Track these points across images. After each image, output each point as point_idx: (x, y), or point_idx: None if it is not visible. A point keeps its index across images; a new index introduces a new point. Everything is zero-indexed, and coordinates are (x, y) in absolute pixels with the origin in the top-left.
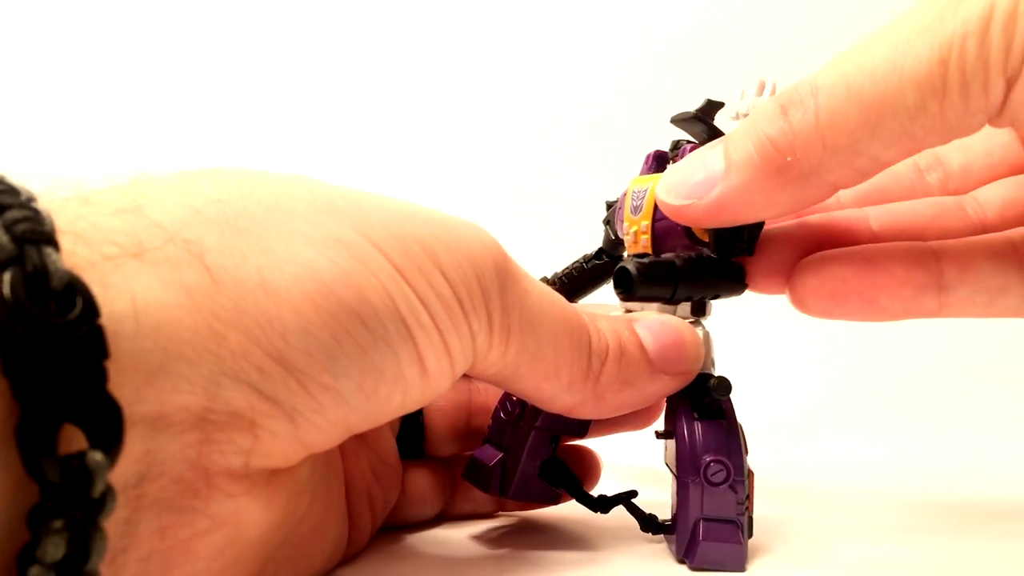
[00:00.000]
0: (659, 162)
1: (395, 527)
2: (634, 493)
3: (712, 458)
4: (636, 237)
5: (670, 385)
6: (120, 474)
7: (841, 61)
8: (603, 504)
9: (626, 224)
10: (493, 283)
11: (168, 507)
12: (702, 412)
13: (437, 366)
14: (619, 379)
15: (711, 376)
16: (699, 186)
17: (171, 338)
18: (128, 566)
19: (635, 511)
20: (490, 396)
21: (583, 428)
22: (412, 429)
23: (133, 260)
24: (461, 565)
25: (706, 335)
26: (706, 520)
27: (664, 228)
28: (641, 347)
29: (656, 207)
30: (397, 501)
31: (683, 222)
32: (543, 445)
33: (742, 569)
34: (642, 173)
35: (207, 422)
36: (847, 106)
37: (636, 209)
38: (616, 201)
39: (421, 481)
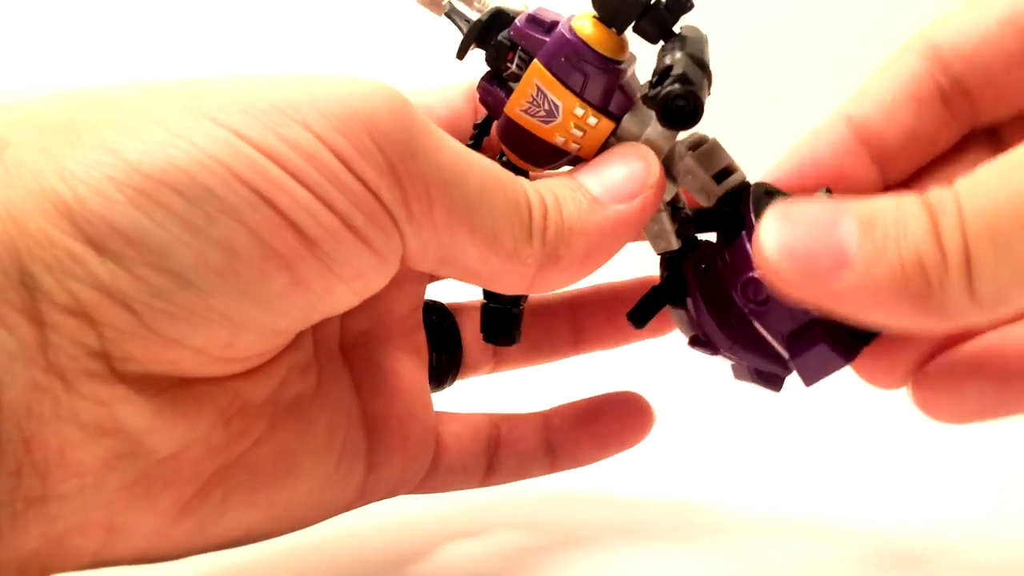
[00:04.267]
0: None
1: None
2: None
3: (743, 280)
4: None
5: (631, 213)
6: None
7: (981, 185)
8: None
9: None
10: (395, 142)
11: (27, 415)
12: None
13: (331, 235)
14: (569, 230)
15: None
16: (818, 261)
17: None
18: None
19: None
20: None
21: None
22: (448, 355)
23: None
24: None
25: (714, 141)
26: (787, 337)
27: None
28: (582, 189)
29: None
30: (436, 456)
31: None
32: None
33: (848, 361)
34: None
35: (41, 319)
36: (994, 252)
37: (550, 114)
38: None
39: (463, 431)
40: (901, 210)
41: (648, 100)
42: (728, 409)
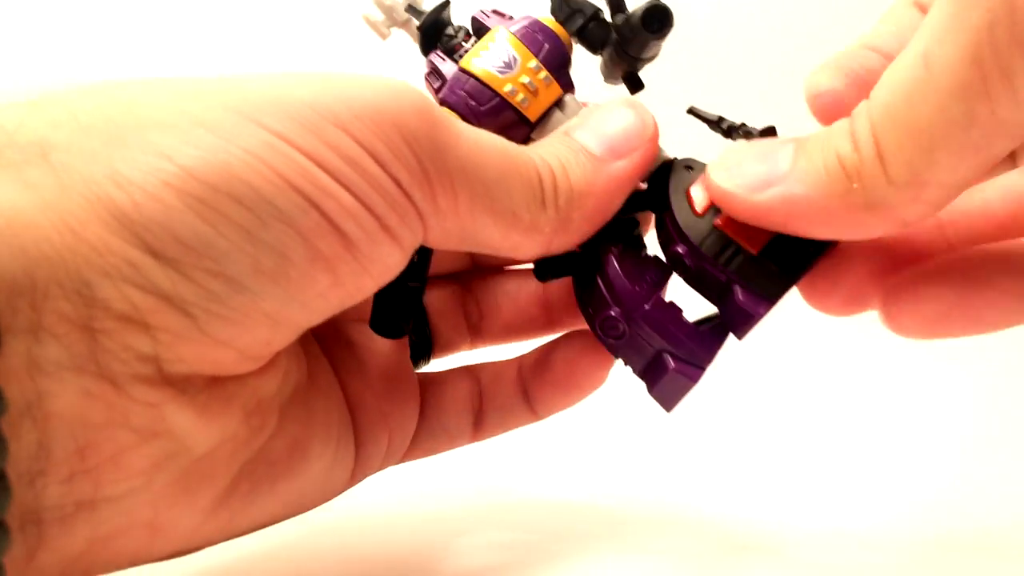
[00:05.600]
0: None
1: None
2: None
3: (601, 318)
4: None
5: (632, 168)
6: (18, 393)
7: (881, 86)
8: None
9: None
10: (424, 141)
11: (81, 424)
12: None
13: (369, 237)
14: (579, 193)
15: None
16: (756, 179)
17: (26, 239)
18: (50, 488)
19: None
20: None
21: None
22: (418, 332)
23: None
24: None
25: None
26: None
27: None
28: (583, 150)
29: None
30: (421, 423)
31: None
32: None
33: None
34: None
35: (92, 327)
36: (896, 137)
37: (507, 66)
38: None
39: (444, 392)
40: (830, 128)
41: (624, 23)
42: (725, 408)
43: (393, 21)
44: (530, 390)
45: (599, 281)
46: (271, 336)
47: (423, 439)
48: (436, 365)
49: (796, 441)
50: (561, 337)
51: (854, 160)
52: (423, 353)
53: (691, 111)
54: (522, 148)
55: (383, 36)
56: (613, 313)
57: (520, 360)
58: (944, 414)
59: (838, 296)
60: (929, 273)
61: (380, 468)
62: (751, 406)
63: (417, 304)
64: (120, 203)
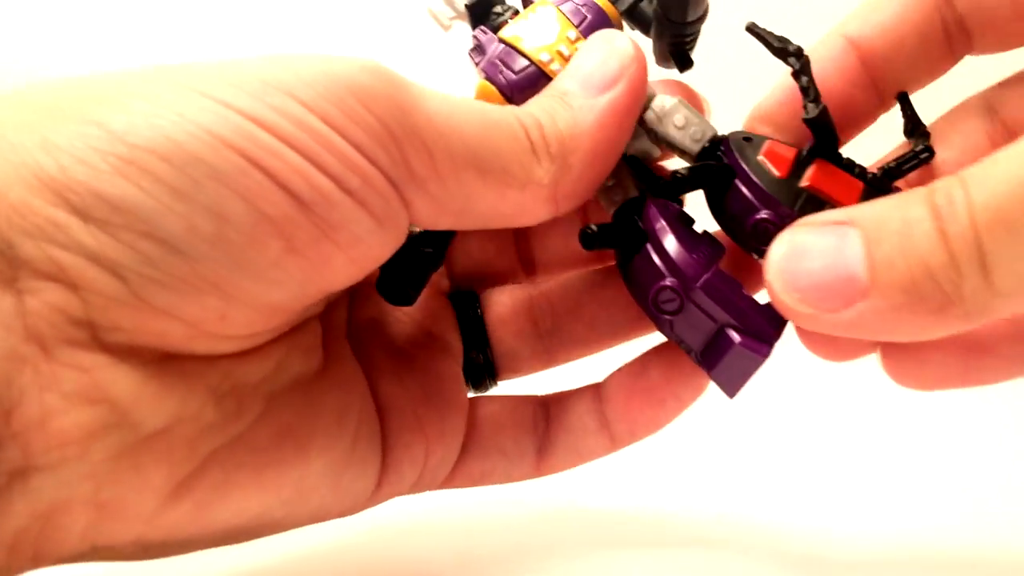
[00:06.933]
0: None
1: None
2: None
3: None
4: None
5: (622, 97)
6: None
7: (986, 182)
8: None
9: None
10: (383, 100)
11: (7, 385)
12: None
13: (326, 199)
14: (570, 136)
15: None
16: (829, 293)
17: None
18: None
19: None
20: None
21: None
22: (474, 344)
23: None
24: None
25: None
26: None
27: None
28: (565, 93)
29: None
30: (472, 439)
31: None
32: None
33: (765, 355)
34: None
35: (17, 287)
36: (1011, 247)
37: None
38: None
39: (503, 412)
40: (905, 218)
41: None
42: (724, 411)
43: (455, 12)
44: (610, 413)
45: (650, 250)
46: (224, 308)
47: (472, 460)
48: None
49: (798, 442)
50: (651, 351)
51: (951, 276)
52: (486, 372)
53: (750, 29)
54: (501, 107)
55: (445, 28)
56: (668, 283)
57: (601, 383)
58: (944, 415)
59: (837, 341)
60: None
61: (418, 488)
62: (751, 409)
63: (427, 272)
64: (46, 167)
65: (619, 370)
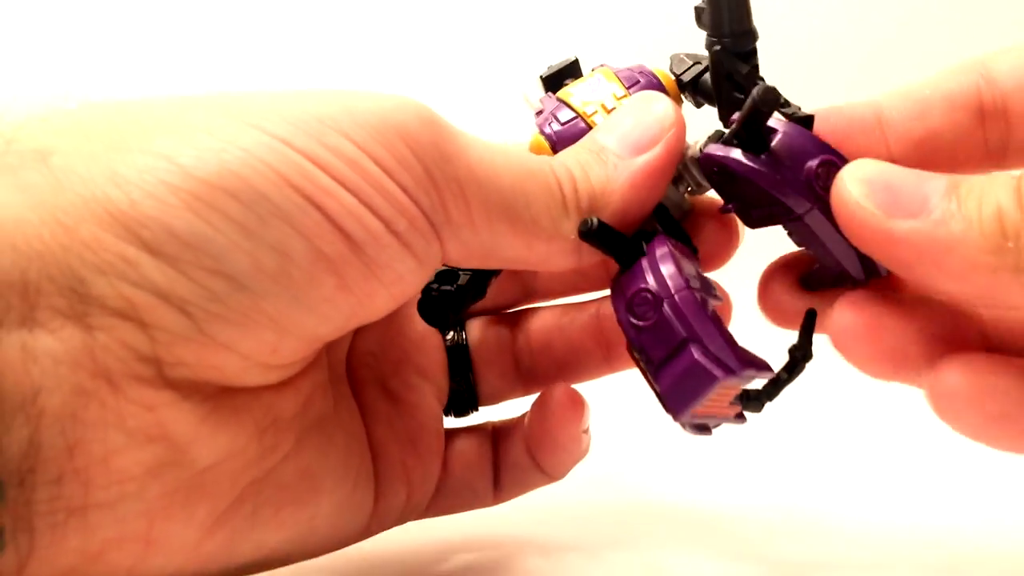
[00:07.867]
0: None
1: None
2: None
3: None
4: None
5: (657, 159)
6: (13, 386)
7: None
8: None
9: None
10: (428, 148)
11: (72, 421)
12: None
13: (375, 239)
14: (601, 193)
15: None
16: (897, 203)
17: (15, 236)
18: (39, 488)
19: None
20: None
21: None
22: (461, 380)
23: None
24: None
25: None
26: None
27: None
28: (603, 149)
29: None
30: (444, 479)
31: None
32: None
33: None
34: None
35: (87, 322)
36: None
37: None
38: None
39: (469, 449)
40: (990, 179)
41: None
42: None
43: (543, 93)
44: (534, 452)
45: (643, 262)
46: (277, 341)
47: (445, 496)
48: (488, 413)
49: (798, 442)
50: (548, 389)
51: (1016, 219)
52: (469, 402)
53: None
54: (539, 157)
55: (533, 108)
56: (647, 285)
57: (525, 415)
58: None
59: (881, 352)
60: (991, 361)
61: (399, 522)
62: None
63: (468, 302)
64: (117, 201)
65: (529, 411)
